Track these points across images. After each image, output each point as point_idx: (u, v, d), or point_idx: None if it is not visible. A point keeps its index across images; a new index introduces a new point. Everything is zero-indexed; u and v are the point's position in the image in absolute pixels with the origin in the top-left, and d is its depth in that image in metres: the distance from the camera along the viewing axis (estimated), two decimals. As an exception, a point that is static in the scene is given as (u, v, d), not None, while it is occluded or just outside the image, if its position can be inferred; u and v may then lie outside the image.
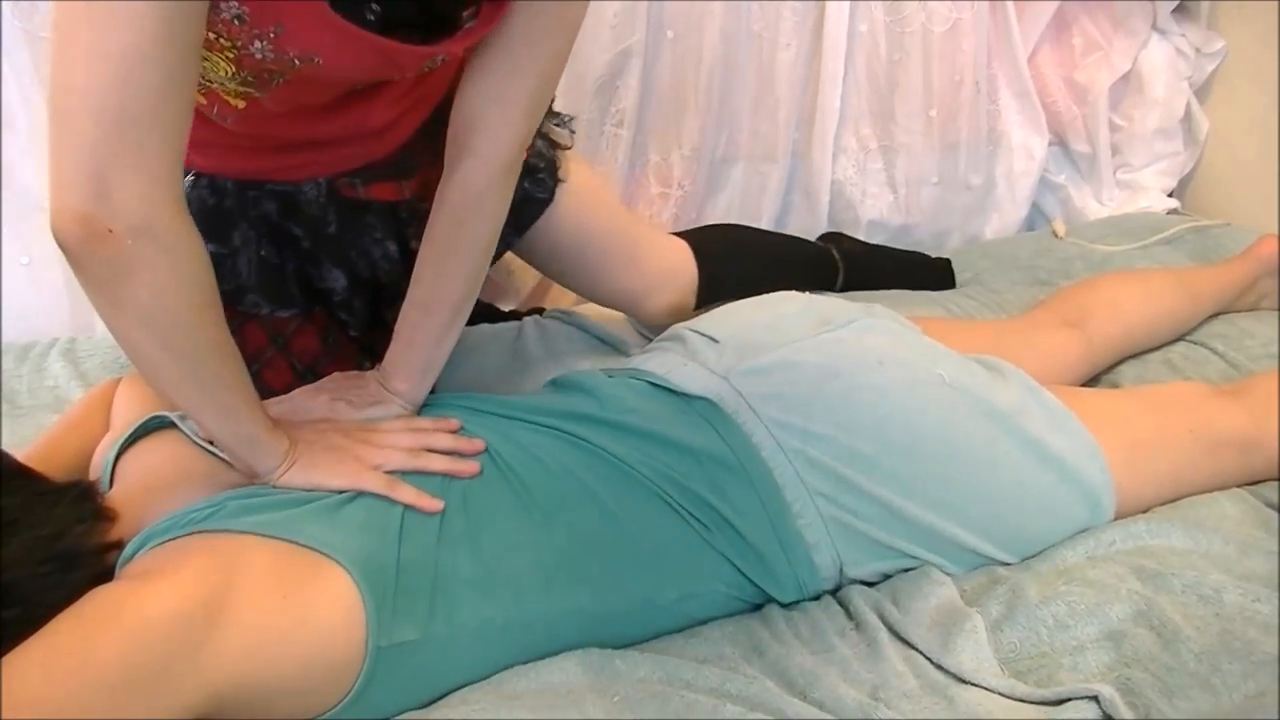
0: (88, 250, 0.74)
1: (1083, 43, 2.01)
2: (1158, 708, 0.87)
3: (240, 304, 1.14)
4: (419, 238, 1.12)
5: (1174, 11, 1.99)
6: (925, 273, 1.74)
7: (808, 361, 1.07)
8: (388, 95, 1.07)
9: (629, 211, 1.44)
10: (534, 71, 0.96)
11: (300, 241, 1.14)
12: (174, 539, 0.83)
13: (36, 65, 1.49)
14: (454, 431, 1.00)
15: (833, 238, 1.80)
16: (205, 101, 0.98)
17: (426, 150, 1.13)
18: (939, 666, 0.93)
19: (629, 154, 1.76)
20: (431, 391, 1.09)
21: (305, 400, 1.06)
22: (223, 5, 0.81)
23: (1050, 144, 2.02)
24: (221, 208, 1.12)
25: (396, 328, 1.06)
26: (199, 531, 0.84)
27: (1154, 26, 2.00)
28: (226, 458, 0.94)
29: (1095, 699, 0.87)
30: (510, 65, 0.95)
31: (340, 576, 0.83)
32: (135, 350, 0.83)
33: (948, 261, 1.78)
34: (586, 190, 1.32)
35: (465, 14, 0.93)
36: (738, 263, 1.50)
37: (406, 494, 0.92)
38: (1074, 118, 2.02)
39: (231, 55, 0.87)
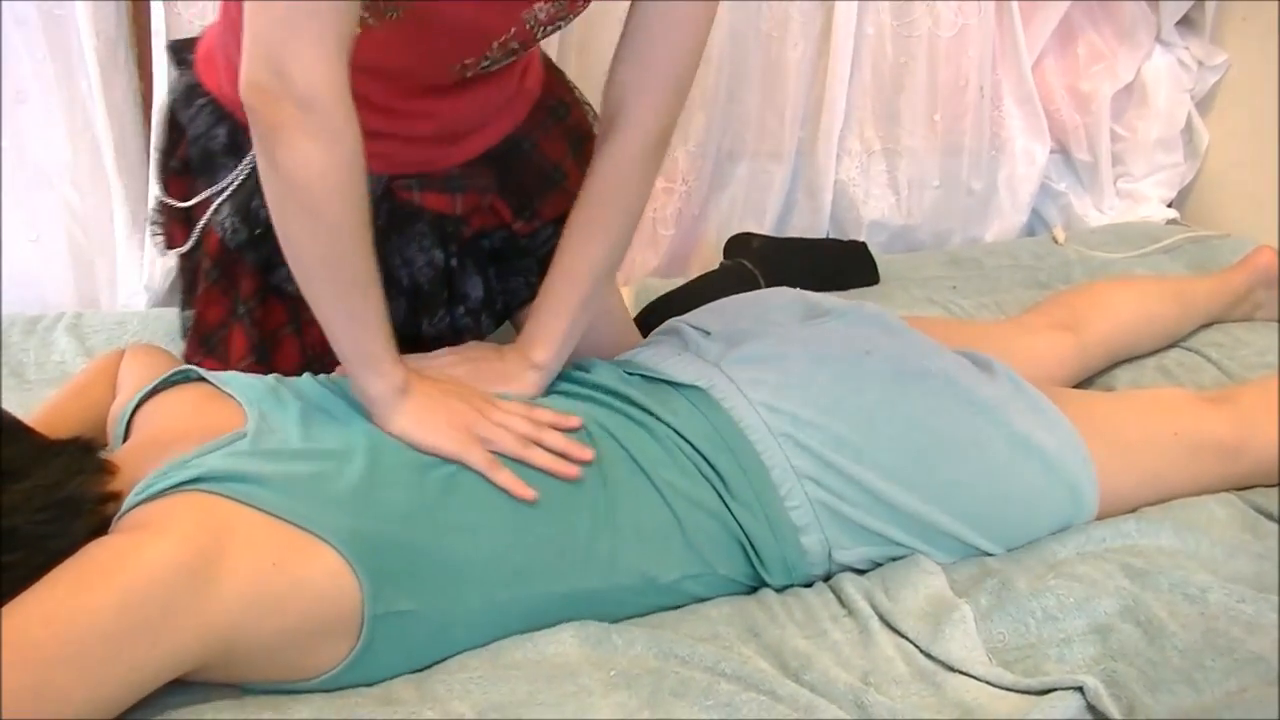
0: (264, 114, 0.86)
1: (1087, 52, 2.03)
2: (1141, 700, 0.88)
3: (271, 276, 1.15)
4: (458, 255, 1.17)
5: (1178, 24, 2.01)
6: (842, 257, 1.76)
7: (798, 350, 1.09)
8: (474, 97, 1.11)
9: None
10: (673, 40, 1.01)
11: None
12: (166, 495, 0.84)
13: (50, 41, 1.50)
14: (573, 429, 1.00)
15: (739, 245, 1.75)
16: None
17: (484, 175, 1.17)
18: (928, 654, 0.94)
19: (635, 148, 1.78)
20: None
21: (446, 364, 1.07)
22: None
23: (1052, 152, 2.03)
24: None
25: (538, 298, 1.09)
26: (190, 490, 0.84)
27: (1158, 38, 2.02)
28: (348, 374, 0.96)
29: (1080, 689, 0.89)
30: (649, 34, 1.02)
31: (329, 551, 0.84)
32: (283, 223, 0.91)
33: (863, 244, 1.80)
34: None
35: None
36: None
37: (505, 478, 0.94)
38: (1076, 126, 2.04)
39: None
